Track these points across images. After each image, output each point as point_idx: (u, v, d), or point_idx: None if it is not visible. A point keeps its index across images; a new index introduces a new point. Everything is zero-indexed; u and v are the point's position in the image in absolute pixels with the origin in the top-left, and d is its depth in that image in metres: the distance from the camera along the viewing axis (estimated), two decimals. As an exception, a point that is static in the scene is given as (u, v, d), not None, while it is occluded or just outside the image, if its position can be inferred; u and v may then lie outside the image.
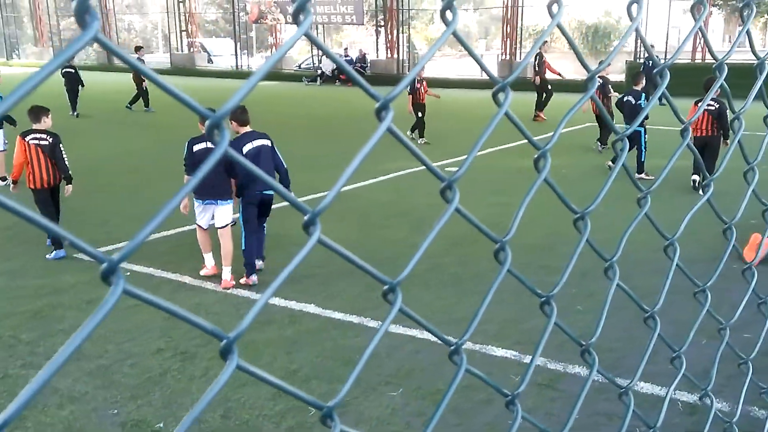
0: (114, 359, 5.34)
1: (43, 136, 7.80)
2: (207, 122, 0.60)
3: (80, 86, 20.15)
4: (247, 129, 7.01)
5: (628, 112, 11.37)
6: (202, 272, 7.20)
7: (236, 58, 39.02)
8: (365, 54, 34.63)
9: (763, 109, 1.62)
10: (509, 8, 30.99)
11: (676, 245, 1.44)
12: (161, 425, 4.47)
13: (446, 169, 12.59)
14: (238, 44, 39.19)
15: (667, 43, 26.78)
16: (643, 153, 11.39)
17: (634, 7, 1.12)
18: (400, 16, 34.30)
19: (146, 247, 8.26)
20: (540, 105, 18.69)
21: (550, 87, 18.70)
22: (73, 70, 19.85)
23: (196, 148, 6.87)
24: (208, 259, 7.20)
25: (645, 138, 11.33)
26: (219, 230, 6.93)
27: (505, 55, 31.07)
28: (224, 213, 6.94)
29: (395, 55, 33.19)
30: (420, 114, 15.37)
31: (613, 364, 5.02)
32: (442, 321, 5.83)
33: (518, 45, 30.81)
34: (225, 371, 0.64)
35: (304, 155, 12.69)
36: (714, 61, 1.39)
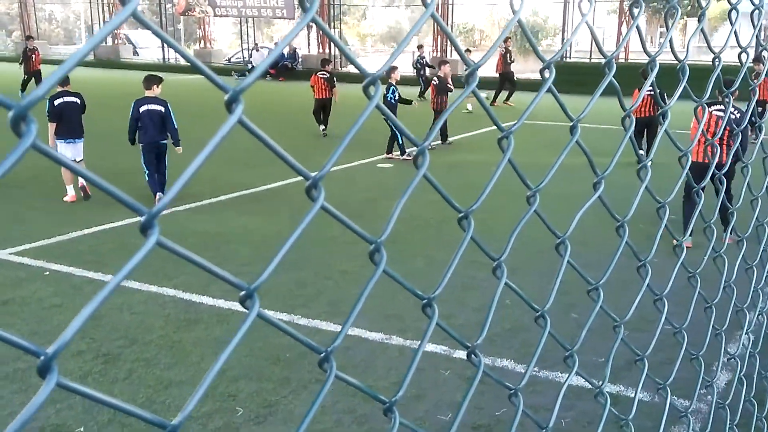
0: (32, 362, 5.07)
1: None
2: (11, 113, 0.56)
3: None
4: (152, 93, 9.31)
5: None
6: (65, 198, 9.46)
7: (163, 50, 38.04)
8: (296, 49, 34.30)
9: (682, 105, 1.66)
10: (440, 6, 31.29)
11: (567, 243, 1.45)
12: (81, 429, 4.31)
13: (378, 165, 12.63)
14: (165, 36, 38.16)
15: (591, 43, 27.55)
16: (399, 136, 12.82)
17: (585, 4, 1.13)
18: (332, 11, 34.13)
19: (66, 245, 7.96)
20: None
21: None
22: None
23: (56, 102, 9.31)
24: (70, 189, 9.53)
25: (395, 126, 12.17)
26: (77, 162, 8.91)
27: (436, 52, 31.39)
28: (80, 148, 9.66)
29: (326, 51, 33.01)
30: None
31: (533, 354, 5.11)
32: (375, 317, 5.81)
33: (449, 42, 31.15)
34: (42, 391, 0.60)
35: (234, 151, 12.45)
36: (646, 58, 1.41)
